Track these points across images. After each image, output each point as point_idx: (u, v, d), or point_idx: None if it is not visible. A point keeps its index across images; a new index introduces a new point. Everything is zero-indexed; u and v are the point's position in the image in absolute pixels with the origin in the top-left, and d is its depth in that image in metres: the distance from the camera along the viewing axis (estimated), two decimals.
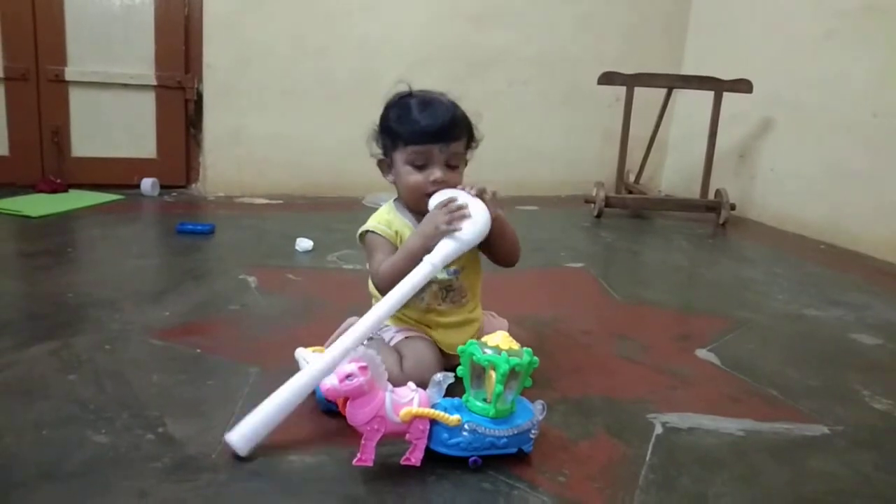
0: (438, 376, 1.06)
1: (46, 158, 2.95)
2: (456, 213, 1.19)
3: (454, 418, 1.02)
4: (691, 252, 2.71)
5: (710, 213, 3.16)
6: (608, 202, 3.10)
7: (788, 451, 1.18)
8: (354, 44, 3.13)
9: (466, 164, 1.35)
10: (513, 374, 1.04)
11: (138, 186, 3.00)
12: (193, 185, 3.18)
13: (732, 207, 3.10)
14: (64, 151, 2.96)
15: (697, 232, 3.01)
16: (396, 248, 1.28)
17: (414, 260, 1.20)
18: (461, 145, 1.29)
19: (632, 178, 3.56)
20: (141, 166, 3.06)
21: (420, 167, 1.26)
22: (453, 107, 1.28)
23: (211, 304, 1.72)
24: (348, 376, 0.98)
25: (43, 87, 2.88)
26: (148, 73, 3.00)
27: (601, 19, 3.58)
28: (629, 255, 2.63)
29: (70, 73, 2.90)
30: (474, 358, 1.06)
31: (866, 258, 2.68)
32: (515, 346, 1.07)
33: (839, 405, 1.37)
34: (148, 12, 2.95)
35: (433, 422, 1.03)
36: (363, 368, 1.00)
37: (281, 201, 3.04)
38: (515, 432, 1.05)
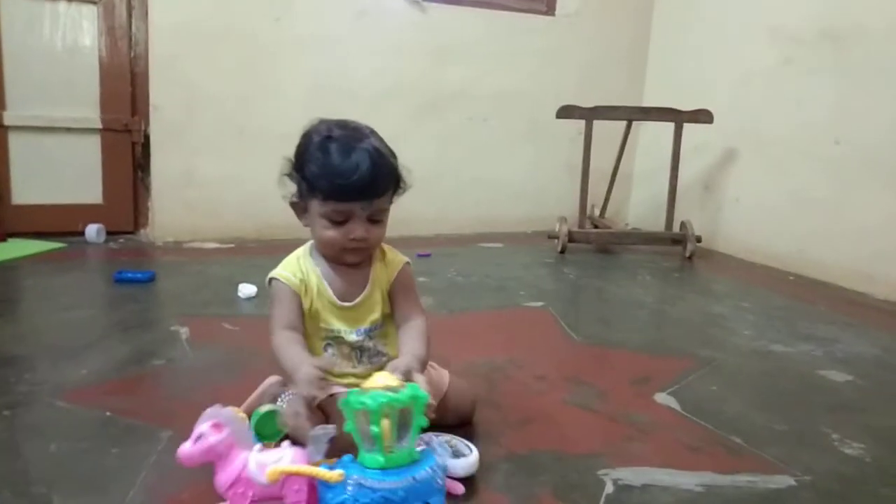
0: (317, 430, 0.92)
1: None
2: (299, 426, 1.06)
3: (335, 473, 0.88)
4: (656, 287, 2.62)
5: (676, 245, 3.09)
6: (571, 237, 3.03)
7: None
8: (307, 82, 3.06)
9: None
10: (402, 415, 0.91)
11: (83, 234, 2.87)
12: (142, 231, 3.06)
13: (698, 240, 3.04)
14: (4, 199, 2.83)
15: (663, 266, 2.94)
16: (300, 301, 1.18)
17: (285, 370, 1.12)
18: (386, 199, 1.16)
19: (597, 212, 3.49)
20: (86, 212, 2.93)
21: (338, 223, 1.14)
22: (378, 155, 1.11)
23: (134, 360, 1.58)
24: (200, 437, 0.90)
25: None
26: (92, 117, 2.90)
27: (560, 54, 3.56)
28: (592, 293, 2.54)
29: (9, 117, 2.78)
30: (348, 405, 0.92)
31: (834, 288, 2.61)
32: (395, 383, 0.95)
33: (807, 452, 1.27)
34: (92, 54, 2.86)
35: (318, 483, 0.90)
36: (216, 426, 0.91)
37: (232, 245, 2.93)
38: (413, 482, 0.90)
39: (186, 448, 0.90)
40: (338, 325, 1.20)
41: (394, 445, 0.91)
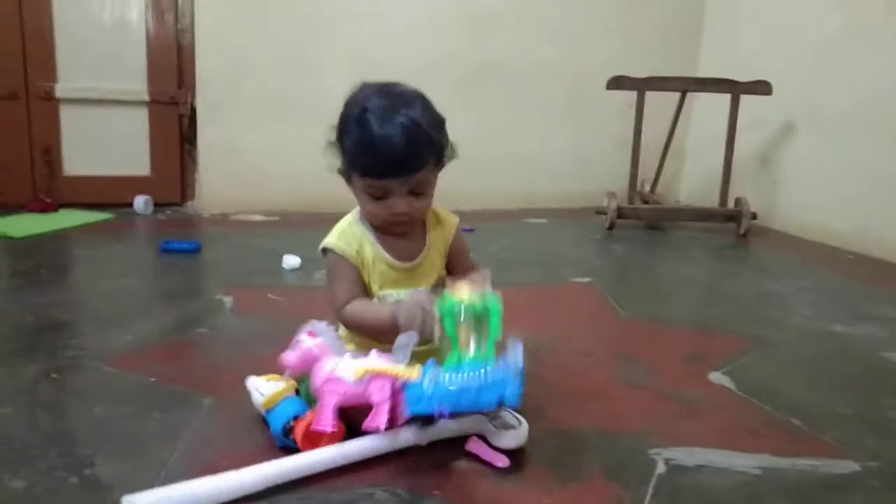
0: (402, 338, 0.98)
1: (38, 178, 2.87)
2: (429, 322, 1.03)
3: (413, 371, 0.95)
4: (709, 265, 2.53)
5: (729, 222, 2.98)
6: (620, 213, 2.94)
7: (812, 492, 1.01)
8: (350, 54, 3.02)
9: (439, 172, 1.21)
10: (478, 322, 0.97)
11: (132, 205, 2.91)
12: (189, 203, 3.09)
13: (754, 216, 2.92)
14: (55, 170, 2.89)
15: (716, 243, 2.83)
16: (358, 272, 1.16)
17: (380, 325, 1.10)
18: (427, 172, 1.11)
19: (647, 187, 3.39)
20: (135, 184, 2.97)
21: (378, 198, 1.11)
22: (414, 128, 1.05)
23: (178, 328, 1.59)
24: (297, 343, 1.05)
25: (33, 106, 2.81)
26: (140, 89, 2.92)
27: (610, 23, 3.44)
28: (641, 269, 2.46)
29: (60, 90, 2.82)
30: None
31: None
32: (474, 297, 1.00)
33: (872, 436, 1.20)
34: (139, 27, 2.87)
35: (403, 387, 0.96)
36: (311, 334, 1.05)
37: (277, 217, 2.93)
38: (486, 375, 0.93)
39: (287, 354, 1.04)
40: (395, 290, 1.17)
41: (470, 350, 0.95)
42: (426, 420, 1.01)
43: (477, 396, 0.92)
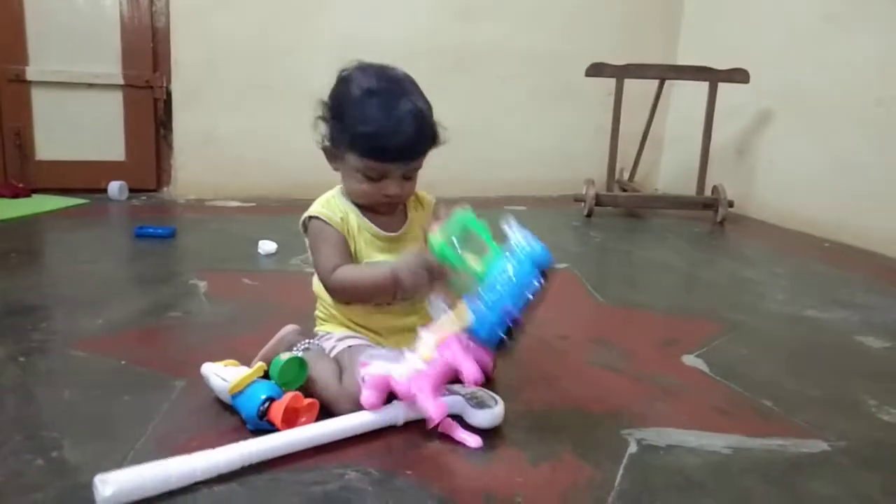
0: (430, 298, 1.03)
1: (9, 162, 2.81)
2: (439, 278, 1.04)
3: (464, 316, 0.97)
4: (686, 251, 2.55)
5: (707, 210, 3.00)
6: (599, 200, 2.95)
7: (782, 471, 1.02)
8: (331, 38, 2.99)
9: None
10: (467, 237, 1.01)
11: (106, 191, 2.86)
12: (165, 189, 3.04)
13: (731, 204, 2.94)
14: (27, 154, 2.83)
15: (694, 231, 2.85)
16: (344, 239, 1.15)
17: (378, 285, 1.09)
18: (422, 159, 1.15)
19: (626, 175, 3.40)
20: (109, 169, 2.92)
21: (373, 179, 1.12)
22: (421, 117, 1.10)
23: (151, 312, 1.57)
24: (363, 380, 1.03)
25: (3, 88, 2.75)
26: (114, 72, 2.87)
27: (591, 12, 3.44)
28: (619, 256, 2.47)
29: (31, 72, 2.76)
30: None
31: (873, 255, 2.51)
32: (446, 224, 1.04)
33: (842, 417, 1.21)
34: (113, 9, 2.82)
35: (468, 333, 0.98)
36: (364, 364, 1.03)
37: (254, 204, 2.90)
38: (515, 260, 0.96)
39: (364, 397, 1.02)
40: (382, 257, 1.17)
41: (479, 260, 0.99)
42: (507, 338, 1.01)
43: (525, 279, 0.95)
